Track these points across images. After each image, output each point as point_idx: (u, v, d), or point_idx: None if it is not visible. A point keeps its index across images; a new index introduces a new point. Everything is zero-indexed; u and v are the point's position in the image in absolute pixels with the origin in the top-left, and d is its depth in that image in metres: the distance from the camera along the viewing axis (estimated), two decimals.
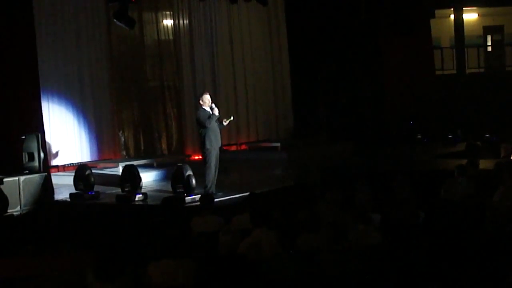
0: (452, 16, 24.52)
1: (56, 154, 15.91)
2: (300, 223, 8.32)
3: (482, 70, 25.39)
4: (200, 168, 12.91)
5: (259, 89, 20.56)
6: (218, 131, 12.81)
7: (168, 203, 10.61)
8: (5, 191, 12.42)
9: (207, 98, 12.69)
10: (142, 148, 17.86)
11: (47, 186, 13.43)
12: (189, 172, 12.47)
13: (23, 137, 13.46)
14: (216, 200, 11.05)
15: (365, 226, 8.32)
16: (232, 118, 13.43)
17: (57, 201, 13.58)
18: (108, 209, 12.83)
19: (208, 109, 12.60)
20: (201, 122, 12.58)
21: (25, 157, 13.41)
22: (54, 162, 15.63)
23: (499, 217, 9.04)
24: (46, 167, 13.72)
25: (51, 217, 12.82)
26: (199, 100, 12.89)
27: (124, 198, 12.83)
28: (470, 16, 25.96)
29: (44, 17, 15.66)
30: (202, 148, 12.79)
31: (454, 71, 24.03)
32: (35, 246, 11.62)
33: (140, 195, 12.86)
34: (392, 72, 20.82)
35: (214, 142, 12.69)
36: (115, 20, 14.88)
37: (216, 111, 12.56)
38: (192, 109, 17.34)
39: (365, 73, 20.55)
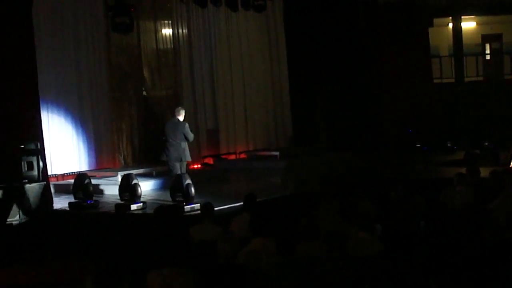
0: (450, 25, 24.54)
1: (55, 163, 15.87)
2: (299, 232, 8.32)
3: (480, 78, 25.42)
4: (199, 177, 12.93)
5: (258, 97, 20.55)
6: None
7: (161, 213, 10.60)
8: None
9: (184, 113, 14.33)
10: (141, 157, 17.82)
11: (46, 195, 13.40)
12: (188, 181, 12.45)
13: (22, 146, 13.44)
14: (215, 208, 11.02)
15: (367, 234, 8.31)
16: None
17: (56, 210, 13.54)
18: (107, 218, 12.81)
19: None
20: (189, 135, 14.30)
21: (24, 166, 13.39)
22: (53, 171, 15.60)
23: (498, 225, 9.04)
24: (45, 176, 13.70)
25: (50, 227, 12.80)
26: (177, 113, 14.40)
27: (123, 207, 12.81)
28: (469, 24, 26.00)
29: (43, 26, 15.64)
30: (182, 158, 14.28)
31: (453, 80, 24.03)
32: (34, 256, 11.62)
33: (139, 204, 12.83)
34: (391, 81, 20.83)
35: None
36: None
37: None
38: (191, 118, 17.42)
39: (364, 82, 20.56)
